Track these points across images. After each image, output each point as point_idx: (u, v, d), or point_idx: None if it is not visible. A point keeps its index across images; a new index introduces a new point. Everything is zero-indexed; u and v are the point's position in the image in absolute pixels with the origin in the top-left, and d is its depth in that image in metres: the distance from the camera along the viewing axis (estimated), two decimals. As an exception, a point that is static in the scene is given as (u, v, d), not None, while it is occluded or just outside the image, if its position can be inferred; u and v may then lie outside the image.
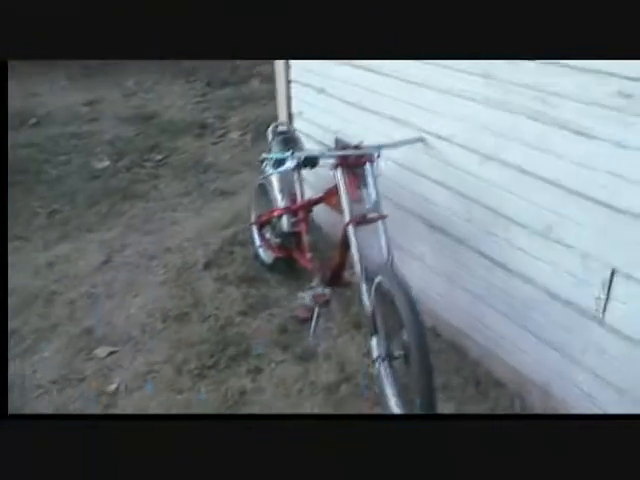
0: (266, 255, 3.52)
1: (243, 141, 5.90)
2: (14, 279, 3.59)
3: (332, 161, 2.51)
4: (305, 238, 3.06)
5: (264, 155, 2.57)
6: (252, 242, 3.67)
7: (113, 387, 2.72)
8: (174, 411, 2.53)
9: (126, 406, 2.59)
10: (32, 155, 5.75)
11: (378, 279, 2.32)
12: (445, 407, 2.51)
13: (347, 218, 2.43)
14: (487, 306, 2.61)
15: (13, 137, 6.23)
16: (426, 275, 2.97)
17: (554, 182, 2.14)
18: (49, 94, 8.08)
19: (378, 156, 2.95)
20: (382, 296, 2.32)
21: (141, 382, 2.74)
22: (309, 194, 3.41)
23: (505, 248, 2.43)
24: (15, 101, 7.56)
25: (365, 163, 2.49)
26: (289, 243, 3.24)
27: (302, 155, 2.50)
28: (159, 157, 5.55)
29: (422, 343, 2.10)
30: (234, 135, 6.07)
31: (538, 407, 2.47)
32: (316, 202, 3.02)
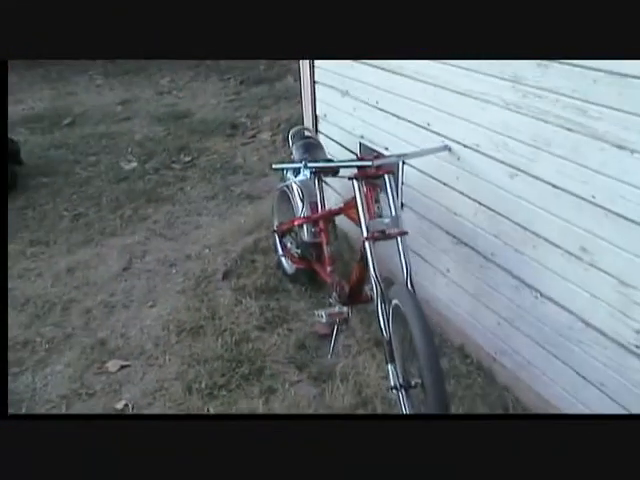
0: (288, 265, 3.39)
1: (274, 142, 5.77)
2: (32, 286, 3.55)
3: (350, 171, 2.35)
4: (326, 250, 2.90)
5: (275, 165, 2.42)
6: (275, 250, 3.54)
7: (121, 405, 2.62)
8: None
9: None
10: (64, 156, 5.74)
11: (395, 302, 2.16)
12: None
13: (364, 234, 2.27)
14: (514, 329, 2.41)
15: (46, 138, 6.27)
16: (452, 291, 2.78)
17: (589, 200, 1.93)
18: (85, 93, 8.10)
19: (404, 163, 2.79)
20: (399, 320, 2.16)
21: (150, 400, 2.63)
22: (334, 201, 3.27)
23: (535, 268, 2.23)
24: (51, 102, 7.64)
25: (385, 174, 2.32)
26: (309, 254, 3.08)
27: (315, 166, 2.34)
28: (187, 158, 5.47)
29: (435, 373, 1.94)
30: (265, 136, 5.95)
31: None
32: (336, 213, 2.86)
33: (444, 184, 2.62)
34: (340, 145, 3.50)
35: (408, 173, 2.81)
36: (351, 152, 3.32)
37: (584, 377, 2.13)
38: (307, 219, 3.01)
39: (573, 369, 2.18)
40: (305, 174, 2.34)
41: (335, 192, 3.51)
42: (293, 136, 3.26)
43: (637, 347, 1.89)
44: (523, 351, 2.42)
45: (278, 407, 2.52)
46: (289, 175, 3.14)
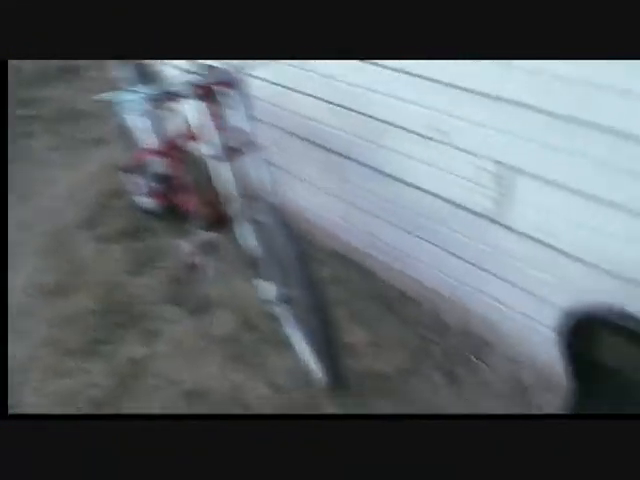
0: (147, 202, 3.20)
1: (115, 80, 5.38)
2: None
3: (191, 90, 2.18)
4: (183, 179, 2.75)
5: (98, 97, 2.21)
6: (132, 190, 3.33)
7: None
8: (66, 399, 2.28)
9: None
10: None
11: (259, 217, 2.08)
12: (357, 334, 2.37)
13: (216, 153, 2.15)
14: (384, 222, 2.42)
15: None
16: (316, 197, 2.75)
17: (438, 80, 1.90)
18: None
19: (247, 75, 2.65)
20: (266, 235, 2.09)
21: (27, 371, 2.44)
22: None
23: (393, 158, 2.22)
24: None
25: (228, 88, 2.18)
26: (166, 187, 2.92)
27: (151, 91, 2.16)
28: (26, 112, 5.01)
29: (308, 281, 1.92)
30: (107, 74, 5.53)
31: (456, 324, 2.36)
32: (185, 139, 2.69)
33: (292, 89, 2.53)
34: (182, 70, 3.28)
35: (254, 85, 2.69)
36: (190, 73, 3.13)
37: (449, 251, 2.19)
38: (156, 151, 2.83)
39: (440, 247, 2.22)
40: (140, 103, 2.16)
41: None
42: (128, 65, 3.02)
43: (494, 213, 1.94)
44: (395, 242, 2.43)
45: (164, 348, 2.43)
46: (131, 108, 2.92)
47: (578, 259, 1.79)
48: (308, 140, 2.59)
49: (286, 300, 2.20)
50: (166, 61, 3.41)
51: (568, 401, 1.60)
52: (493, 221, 1.96)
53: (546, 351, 1.96)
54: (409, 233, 2.33)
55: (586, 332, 1.42)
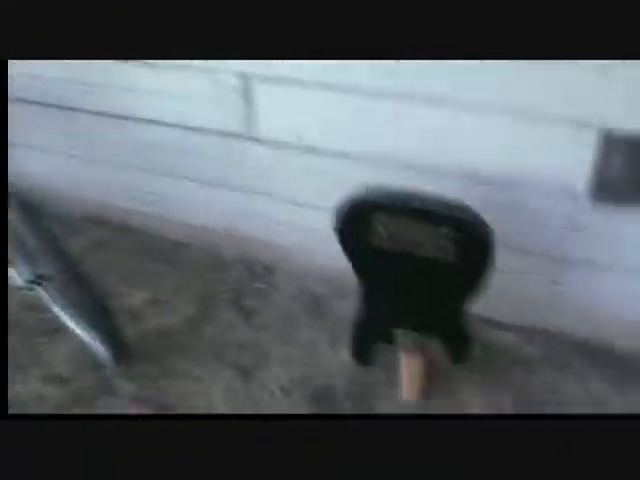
0: None
1: None
2: None
3: None
4: None
5: None
6: None
7: None
8: None
9: None
10: None
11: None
12: (135, 295, 2.20)
13: None
14: (137, 170, 2.26)
15: None
16: (58, 161, 2.47)
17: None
18: None
19: None
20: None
21: None
22: None
23: (123, 96, 2.06)
24: None
25: None
26: None
27: None
28: None
29: (63, 254, 1.84)
30: None
31: (236, 257, 2.29)
32: None
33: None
34: None
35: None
36: None
37: (210, 183, 2.13)
38: None
39: (200, 181, 2.15)
40: None
41: None
42: None
43: (243, 126, 1.90)
44: (150, 187, 2.30)
45: None
46: None
47: (342, 154, 1.80)
48: (33, 100, 2.32)
49: (44, 281, 1.97)
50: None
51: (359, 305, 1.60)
52: (247, 138, 1.92)
53: (331, 257, 1.97)
54: (162, 174, 2.20)
55: (362, 220, 1.43)
